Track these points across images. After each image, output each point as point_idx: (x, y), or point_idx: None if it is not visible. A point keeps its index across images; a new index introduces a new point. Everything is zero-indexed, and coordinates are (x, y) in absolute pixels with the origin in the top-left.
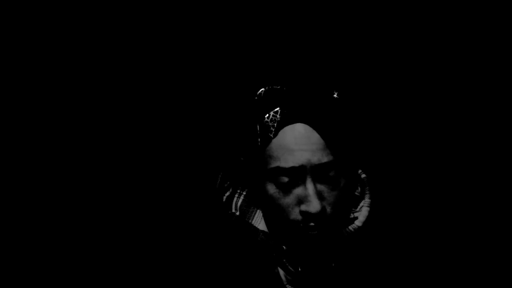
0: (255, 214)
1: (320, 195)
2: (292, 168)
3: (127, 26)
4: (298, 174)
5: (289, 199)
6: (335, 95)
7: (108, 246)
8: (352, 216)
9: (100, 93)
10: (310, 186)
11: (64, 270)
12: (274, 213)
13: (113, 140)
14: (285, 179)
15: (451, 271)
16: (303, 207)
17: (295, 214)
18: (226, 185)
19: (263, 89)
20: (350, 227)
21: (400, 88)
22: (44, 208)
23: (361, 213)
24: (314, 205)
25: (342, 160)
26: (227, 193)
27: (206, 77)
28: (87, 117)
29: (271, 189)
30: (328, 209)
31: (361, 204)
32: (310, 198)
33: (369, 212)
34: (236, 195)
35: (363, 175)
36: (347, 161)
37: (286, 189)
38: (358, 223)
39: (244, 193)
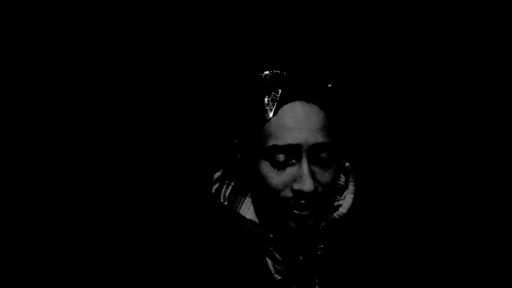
0: (242, 203)
1: (313, 175)
2: (289, 145)
3: (121, 13)
4: (294, 153)
5: (282, 177)
6: (329, 85)
7: (97, 237)
8: (336, 203)
9: (87, 82)
10: (305, 165)
11: (59, 268)
12: (266, 192)
13: (103, 129)
14: (281, 157)
15: (433, 258)
16: (296, 186)
17: (287, 192)
18: (215, 175)
19: (266, 72)
20: (335, 214)
21: (388, 81)
22: (40, 207)
23: (345, 201)
24: (307, 184)
25: (336, 143)
26: (216, 185)
27: (199, 67)
28: (76, 111)
29: (266, 167)
30: (319, 189)
31: (345, 192)
32: (304, 177)
33: (353, 199)
34: (225, 186)
35: (346, 164)
36: (340, 145)
37: (280, 168)
38: (342, 210)
39: (233, 183)
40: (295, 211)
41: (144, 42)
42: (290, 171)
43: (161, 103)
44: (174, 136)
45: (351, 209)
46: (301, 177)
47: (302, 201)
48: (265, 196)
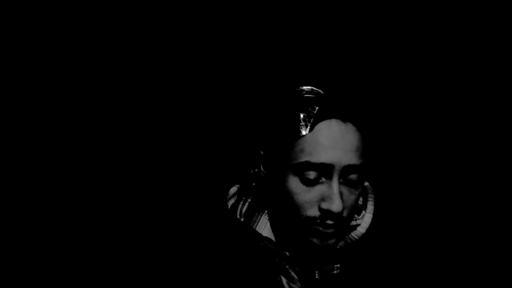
0: (259, 220)
1: (341, 196)
2: (322, 164)
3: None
4: (326, 171)
5: (311, 195)
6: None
7: (111, 249)
8: (354, 223)
9: (106, 91)
10: (335, 185)
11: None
12: (292, 208)
13: (118, 137)
14: (312, 175)
15: (453, 282)
16: (325, 205)
17: (314, 210)
18: (231, 190)
19: (304, 87)
20: (353, 234)
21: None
22: (59, 208)
23: (364, 220)
24: (337, 204)
25: (367, 165)
26: (232, 200)
27: (226, 75)
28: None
29: (294, 183)
30: (345, 211)
31: (363, 212)
32: (334, 196)
33: (372, 219)
34: (241, 202)
35: (366, 183)
36: (369, 167)
37: (309, 185)
38: (361, 229)
39: (249, 200)
40: (320, 229)
41: (174, 50)
42: (319, 189)
43: (180, 112)
44: (192, 148)
45: (369, 229)
46: (331, 197)
47: (328, 221)
48: (290, 212)
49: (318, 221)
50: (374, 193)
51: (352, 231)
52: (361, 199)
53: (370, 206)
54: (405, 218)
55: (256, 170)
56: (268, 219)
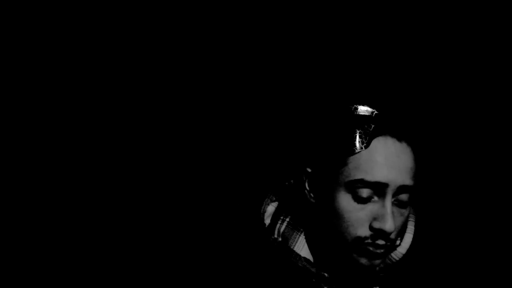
0: (297, 240)
1: (393, 216)
2: (377, 183)
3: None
4: (380, 190)
5: (362, 213)
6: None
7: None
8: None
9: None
10: (388, 204)
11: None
12: (341, 227)
13: (152, 150)
14: (365, 193)
15: None
16: (377, 224)
17: (364, 230)
18: (268, 209)
19: (360, 107)
20: (393, 255)
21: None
22: (64, 210)
23: (405, 241)
24: (389, 224)
25: (419, 186)
26: (269, 219)
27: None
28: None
29: (346, 201)
30: (394, 232)
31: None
32: (387, 216)
33: (412, 239)
34: (279, 221)
35: None
36: (419, 189)
37: (362, 203)
38: (402, 250)
39: (288, 219)
40: (370, 248)
41: (218, 62)
42: (371, 208)
43: (222, 129)
44: (231, 165)
45: (409, 249)
46: (383, 216)
47: (379, 241)
48: (339, 231)
49: (369, 241)
50: (415, 213)
51: (392, 252)
52: None
53: (411, 227)
54: (446, 239)
55: (300, 188)
56: (307, 239)
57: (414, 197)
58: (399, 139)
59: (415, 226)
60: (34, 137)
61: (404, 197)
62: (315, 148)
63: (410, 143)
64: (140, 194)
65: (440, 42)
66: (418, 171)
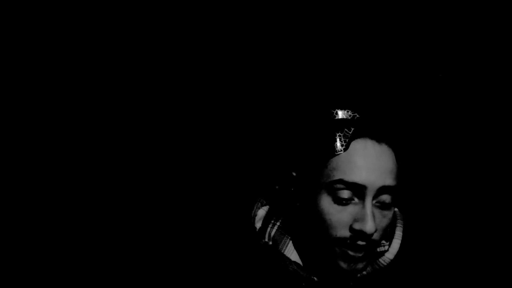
0: (288, 244)
1: (373, 217)
2: (355, 184)
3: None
4: (359, 192)
5: (343, 215)
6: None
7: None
8: (382, 249)
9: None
10: (368, 205)
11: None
12: (322, 228)
13: (140, 153)
14: (345, 194)
15: None
16: (357, 226)
17: (345, 231)
18: (259, 213)
19: (339, 111)
20: (381, 260)
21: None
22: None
23: (392, 246)
24: (370, 225)
25: (401, 187)
26: (260, 223)
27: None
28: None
29: (327, 202)
30: (376, 234)
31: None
32: (367, 217)
33: (400, 245)
34: (270, 225)
35: (395, 209)
36: (402, 190)
37: (342, 205)
38: (389, 255)
39: (278, 223)
40: (350, 252)
41: (205, 65)
42: (352, 209)
43: (208, 136)
44: (220, 171)
45: (397, 255)
46: (363, 218)
47: (359, 242)
48: (320, 233)
49: (349, 241)
50: (403, 219)
51: (380, 257)
52: None
53: (399, 232)
54: (434, 244)
55: (287, 192)
56: (296, 243)
57: (397, 199)
58: (379, 141)
59: (403, 232)
60: (34, 137)
61: (386, 198)
62: (299, 152)
63: (390, 145)
64: (134, 197)
65: (417, 45)
66: (400, 172)
